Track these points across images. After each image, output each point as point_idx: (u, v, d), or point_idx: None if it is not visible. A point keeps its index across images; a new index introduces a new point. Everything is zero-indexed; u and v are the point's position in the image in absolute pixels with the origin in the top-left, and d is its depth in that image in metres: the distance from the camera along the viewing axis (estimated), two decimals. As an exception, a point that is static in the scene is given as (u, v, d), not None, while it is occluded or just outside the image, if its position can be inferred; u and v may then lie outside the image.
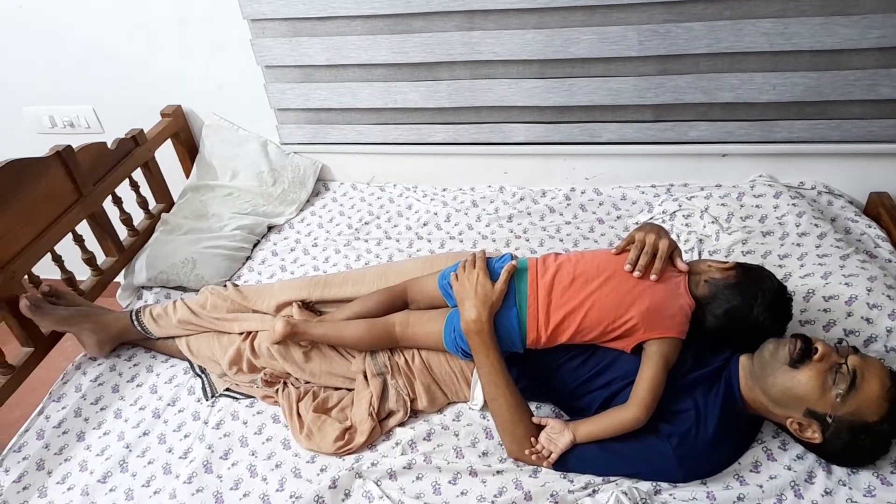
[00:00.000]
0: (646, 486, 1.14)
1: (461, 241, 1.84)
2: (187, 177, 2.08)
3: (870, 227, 1.68)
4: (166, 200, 2.01)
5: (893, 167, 1.79)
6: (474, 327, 1.22)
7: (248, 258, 1.87)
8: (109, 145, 1.77)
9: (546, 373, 1.29)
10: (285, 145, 2.09)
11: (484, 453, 1.26)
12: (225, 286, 1.57)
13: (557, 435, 1.19)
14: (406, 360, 1.37)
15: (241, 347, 1.45)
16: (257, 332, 1.47)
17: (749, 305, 1.18)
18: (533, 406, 1.33)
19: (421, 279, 1.43)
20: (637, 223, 1.83)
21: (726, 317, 1.20)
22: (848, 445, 1.10)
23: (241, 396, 1.44)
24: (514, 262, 1.29)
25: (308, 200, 2.07)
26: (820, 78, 1.67)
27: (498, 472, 1.21)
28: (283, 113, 2.03)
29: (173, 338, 1.54)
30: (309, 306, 1.52)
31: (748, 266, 1.25)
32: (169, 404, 1.43)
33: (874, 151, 1.76)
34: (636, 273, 1.22)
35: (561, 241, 1.81)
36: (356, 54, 1.85)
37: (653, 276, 1.21)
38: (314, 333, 1.38)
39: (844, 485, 1.12)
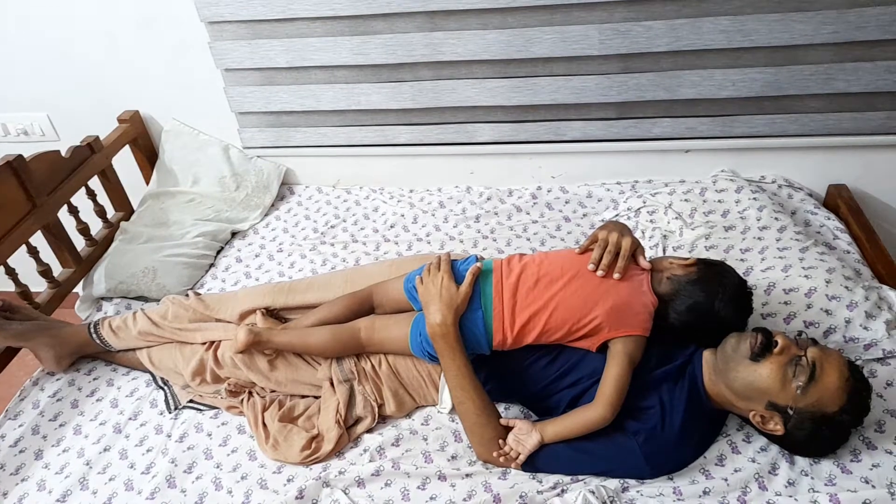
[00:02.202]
0: (613, 483, 1.15)
1: (428, 243, 1.83)
2: (147, 184, 2.04)
3: (829, 219, 1.71)
4: (125, 209, 1.96)
5: (851, 159, 1.83)
6: (440, 331, 1.21)
7: (212, 265, 1.84)
8: (64, 153, 1.72)
9: (513, 374, 1.29)
10: (248, 149, 2.05)
11: (453, 457, 1.25)
12: (187, 295, 1.53)
13: (525, 436, 1.19)
14: (373, 366, 1.35)
15: (204, 358, 1.42)
16: (220, 341, 1.44)
17: (711, 301, 1.19)
18: (502, 407, 1.33)
19: (386, 283, 1.42)
20: (603, 220, 1.84)
21: (689, 313, 1.21)
22: (809, 436, 1.11)
23: (204, 408, 1.41)
24: (478, 264, 1.28)
25: (272, 205, 2.04)
26: (777, 73, 1.70)
27: (467, 475, 1.20)
28: (245, 116, 2.00)
29: (134, 350, 1.50)
30: (273, 313, 1.50)
31: (709, 262, 1.27)
32: (130, 418, 1.40)
33: (832, 144, 1.80)
34: (599, 272, 1.22)
35: (528, 240, 1.81)
36: (317, 56, 1.83)
37: (616, 275, 1.22)
38: (278, 341, 1.36)
39: (807, 475, 1.13)
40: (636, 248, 1.27)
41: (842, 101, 1.73)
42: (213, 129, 2.04)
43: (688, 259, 1.26)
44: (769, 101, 1.76)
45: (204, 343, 1.45)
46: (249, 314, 1.48)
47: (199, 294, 1.55)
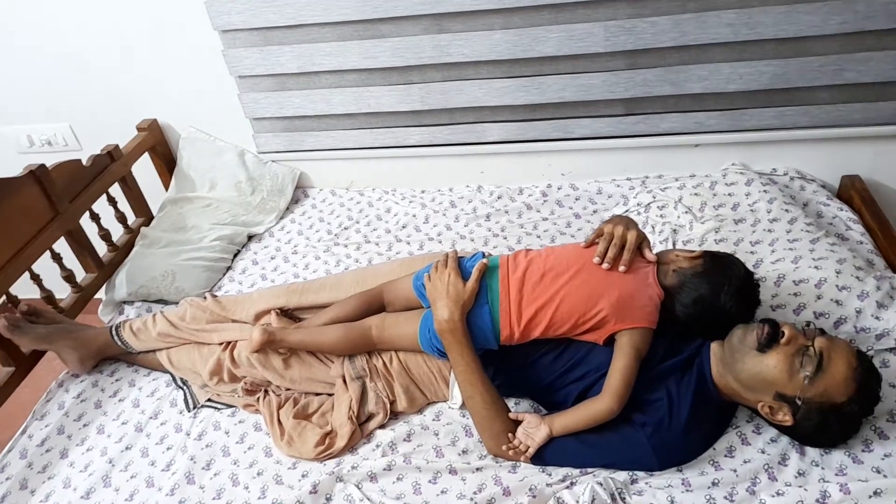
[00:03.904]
0: (622, 475, 1.15)
1: (440, 242, 1.85)
2: (166, 190, 2.09)
3: (841, 209, 1.70)
4: (145, 214, 2.02)
5: (863, 150, 1.81)
6: (447, 326, 1.23)
7: (229, 268, 1.88)
8: (85, 162, 1.78)
9: (522, 369, 1.31)
10: (262, 154, 2.10)
11: (464, 451, 1.27)
12: (204, 297, 1.57)
13: (534, 429, 1.20)
14: (384, 363, 1.38)
15: (221, 358, 1.45)
16: (237, 341, 1.47)
17: (717, 293, 1.20)
18: (512, 402, 1.35)
19: (396, 282, 1.44)
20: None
21: (695, 305, 1.21)
22: (818, 426, 1.11)
23: (222, 406, 1.44)
24: (485, 260, 1.30)
25: (287, 208, 2.08)
26: (786, 65, 1.69)
27: (477, 469, 1.22)
28: (259, 122, 2.04)
29: (154, 351, 1.54)
30: (288, 313, 1.53)
31: (716, 254, 1.27)
32: (151, 417, 1.44)
33: (844, 135, 1.78)
34: (605, 265, 1.23)
35: (538, 237, 1.82)
36: (327, 61, 1.86)
37: (621, 268, 1.23)
38: (291, 340, 1.39)
39: (817, 465, 1.13)
40: (642, 241, 1.28)
41: (852, 91, 1.72)
42: (229, 135, 2.09)
43: (694, 252, 1.26)
44: (778, 94, 1.75)
45: (221, 343, 1.49)
46: (264, 314, 1.51)
47: (216, 296, 1.59)
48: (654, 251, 1.30)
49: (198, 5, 1.82)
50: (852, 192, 1.78)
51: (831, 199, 1.75)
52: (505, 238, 1.83)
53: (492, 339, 1.28)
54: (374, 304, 1.44)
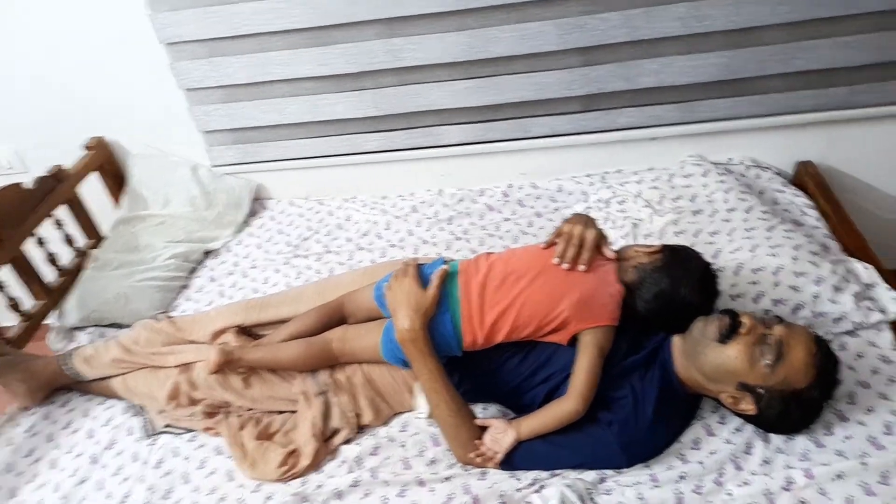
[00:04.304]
0: (591, 475, 1.14)
1: (402, 249, 1.82)
2: (117, 209, 2.02)
3: (796, 196, 1.72)
4: (95, 236, 1.95)
5: (816, 136, 1.84)
6: (408, 336, 1.21)
7: (185, 287, 1.83)
8: (28, 185, 1.71)
9: (487, 374, 1.29)
10: (217, 167, 2.05)
11: (432, 461, 1.24)
12: (158, 319, 1.52)
13: (501, 434, 1.19)
14: (347, 376, 1.35)
15: (179, 380, 1.40)
16: (194, 363, 1.43)
17: (676, 287, 1.20)
18: (480, 407, 1.33)
19: (356, 292, 1.41)
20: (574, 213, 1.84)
21: (656, 300, 1.21)
22: (781, 414, 1.11)
23: (181, 431, 1.40)
24: (445, 266, 1.28)
25: (245, 221, 2.03)
26: (736, 56, 1.71)
27: (446, 478, 1.20)
28: (211, 135, 1.99)
29: (108, 378, 1.49)
30: (247, 331, 1.49)
31: (674, 248, 1.27)
32: (107, 448, 1.38)
33: (796, 122, 1.81)
34: (564, 265, 1.22)
35: (501, 238, 1.81)
36: (278, 70, 1.83)
37: (581, 267, 1.22)
38: (250, 359, 1.35)
39: (781, 452, 1.13)
40: (601, 239, 1.27)
41: (802, 79, 1.74)
42: (181, 150, 2.03)
43: (653, 246, 1.26)
44: (730, 84, 1.77)
45: (178, 366, 1.44)
46: (222, 333, 1.47)
47: (171, 317, 1.54)
48: (615, 247, 1.30)
49: (142, 19, 1.77)
50: (806, 177, 1.80)
51: (786, 185, 1.77)
52: (468, 241, 1.81)
53: (455, 345, 1.26)
54: (335, 317, 1.41)
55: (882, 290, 1.35)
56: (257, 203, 2.10)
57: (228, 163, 2.03)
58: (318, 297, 1.47)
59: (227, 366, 1.35)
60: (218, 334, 1.48)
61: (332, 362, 1.36)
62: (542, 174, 1.98)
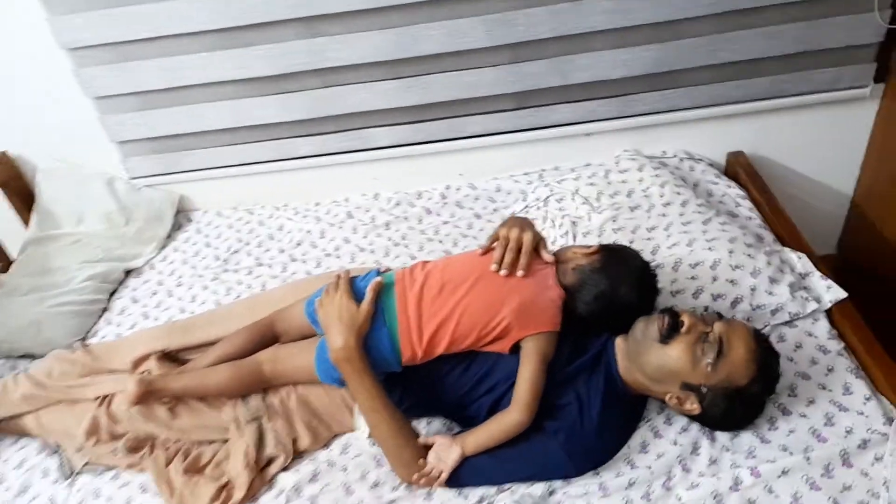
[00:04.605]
0: (539, 489, 1.10)
1: (338, 258, 1.75)
2: (26, 229, 1.87)
3: (729, 187, 1.73)
4: (4, 259, 1.80)
5: (745, 126, 1.86)
6: (342, 355, 1.14)
7: (105, 310, 1.70)
8: (-82, 209, 1.56)
9: (429, 388, 1.24)
10: (135, 179, 1.92)
11: (375, 484, 1.18)
12: (73, 348, 1.41)
13: (446, 452, 1.14)
14: (281, 399, 1.27)
15: (97, 414, 1.30)
16: (114, 394, 1.32)
17: (616, 287, 1.17)
18: (424, 422, 1.28)
19: (288, 309, 1.34)
20: (514, 214, 1.81)
21: (596, 301, 1.18)
22: (725, 412, 1.10)
23: (103, 469, 1.29)
24: (378, 278, 1.22)
25: (169, 236, 1.91)
26: (664, 49, 1.70)
27: (391, 501, 1.14)
28: (127, 145, 1.86)
29: (20, 416, 1.36)
30: (172, 356, 1.39)
31: (612, 247, 1.25)
32: (19, 493, 1.26)
33: (725, 113, 1.82)
34: (502, 272, 1.18)
35: (440, 242, 1.76)
36: (194, 74, 1.72)
37: (519, 273, 1.18)
38: (174, 388, 1.26)
39: (728, 450, 1.13)
40: (538, 242, 1.24)
41: (728, 70, 1.75)
42: (94, 163, 1.89)
43: (591, 247, 1.23)
44: (661, 77, 1.76)
45: (97, 398, 1.33)
46: (144, 360, 1.37)
47: (88, 345, 1.43)
48: (554, 247, 1.27)
49: (39, 23, 1.63)
50: (738, 168, 1.83)
51: (720, 177, 1.79)
52: (406, 246, 1.75)
53: (393, 361, 1.20)
54: (266, 336, 1.33)
55: (816, 279, 1.37)
56: (182, 215, 1.98)
57: (147, 174, 1.91)
58: (248, 316, 1.38)
59: (148, 397, 1.25)
60: (140, 361, 1.37)
61: (264, 386, 1.28)
62: (480, 174, 1.94)
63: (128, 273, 1.81)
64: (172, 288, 1.72)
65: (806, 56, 1.71)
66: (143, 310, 1.67)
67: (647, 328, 1.13)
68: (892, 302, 1.78)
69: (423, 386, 1.24)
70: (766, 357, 1.10)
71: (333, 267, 1.71)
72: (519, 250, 1.20)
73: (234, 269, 1.75)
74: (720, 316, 1.14)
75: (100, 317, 1.68)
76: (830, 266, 1.45)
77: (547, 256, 1.23)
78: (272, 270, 1.73)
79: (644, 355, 1.13)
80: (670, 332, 1.10)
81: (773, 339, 1.28)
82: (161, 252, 1.86)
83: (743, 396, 1.09)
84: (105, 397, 1.32)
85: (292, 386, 1.28)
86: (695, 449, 1.14)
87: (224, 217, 1.96)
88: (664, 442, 1.16)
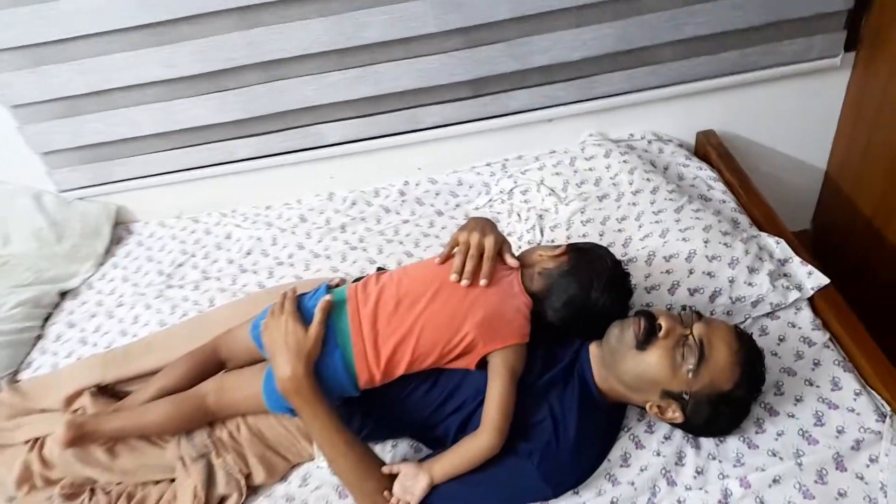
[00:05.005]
0: (516, 515, 1.02)
1: (292, 265, 1.63)
2: (-53, 254, 1.71)
3: (701, 168, 1.65)
4: (-79, 289, 1.64)
5: (713, 103, 1.78)
6: (291, 385, 1.03)
7: (39, 338, 1.56)
8: None
9: (392, 409, 1.14)
10: (65, 192, 1.77)
11: (338, 519, 1.09)
12: (-2, 388, 1.28)
13: (412, 481, 1.04)
14: (230, 432, 1.16)
15: (29, 460, 1.18)
16: (46, 437, 1.20)
17: (586, 291, 1.09)
18: (389, 445, 1.18)
19: (232, 332, 1.22)
20: (477, 207, 1.71)
21: (566, 307, 1.10)
22: (710, 418, 1.03)
23: (37, 521, 1.17)
24: (328, 297, 1.11)
25: (107, 251, 1.77)
26: (626, 26, 1.60)
27: (356, 538, 1.05)
28: (52, 156, 1.71)
29: (-59, 466, 1.23)
30: (110, 390, 1.27)
31: (580, 247, 1.16)
32: (-58, 556, 1.14)
33: (693, 91, 1.74)
34: (464, 282, 1.08)
35: (401, 243, 1.65)
36: (122, 75, 1.58)
37: (482, 282, 1.08)
38: (109, 429, 1.14)
39: (714, 458, 1.05)
40: (501, 246, 1.14)
41: (694, 45, 1.66)
42: (17, 177, 1.74)
43: (557, 248, 1.14)
44: (624, 56, 1.67)
45: (27, 441, 1.21)
46: (77, 397, 1.25)
47: (16, 382, 1.30)
48: (521, 243, 1.17)
49: (-62, 25, 1.47)
50: (708, 147, 1.75)
51: (690, 158, 1.70)
52: (364, 250, 1.64)
53: (349, 386, 1.09)
54: (210, 364, 1.21)
55: (796, 264, 1.30)
56: (121, 228, 1.84)
57: (78, 186, 1.76)
58: (193, 340, 1.27)
59: (81, 440, 1.13)
60: (72, 398, 1.25)
61: (209, 419, 1.17)
62: (439, 167, 1.83)
63: (63, 295, 1.66)
64: (113, 309, 1.58)
65: (774, 27, 1.63)
66: (81, 335, 1.53)
67: (623, 334, 1.05)
68: (868, 275, 1.73)
69: (384, 408, 1.14)
70: (749, 357, 1.02)
71: (287, 276, 1.59)
72: (481, 257, 1.10)
73: (180, 285, 1.62)
74: (699, 315, 1.06)
75: (33, 346, 1.54)
76: (807, 242, 1.39)
77: (511, 261, 1.13)
78: (221, 283, 1.61)
79: (620, 363, 1.04)
80: (647, 337, 1.02)
81: (755, 332, 1.22)
82: (99, 269, 1.72)
83: (727, 401, 1.02)
84: (37, 440, 1.21)
85: (241, 417, 1.17)
86: (679, 459, 1.06)
87: (167, 227, 1.82)
88: (646, 452, 1.08)
